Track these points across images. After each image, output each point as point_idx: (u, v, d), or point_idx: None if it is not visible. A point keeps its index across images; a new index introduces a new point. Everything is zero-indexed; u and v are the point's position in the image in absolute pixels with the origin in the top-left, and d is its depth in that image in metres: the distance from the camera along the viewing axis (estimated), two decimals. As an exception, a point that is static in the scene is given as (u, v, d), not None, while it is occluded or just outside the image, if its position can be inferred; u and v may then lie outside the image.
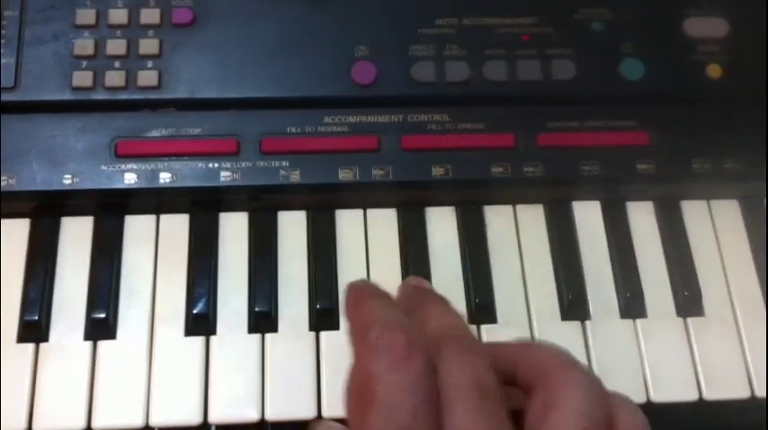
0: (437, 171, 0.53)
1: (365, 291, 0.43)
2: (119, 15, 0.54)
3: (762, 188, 0.55)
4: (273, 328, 0.51)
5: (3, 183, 0.51)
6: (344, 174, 0.52)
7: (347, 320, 0.43)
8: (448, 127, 0.54)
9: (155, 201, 0.53)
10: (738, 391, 0.51)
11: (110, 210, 0.53)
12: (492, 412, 0.36)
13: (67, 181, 0.51)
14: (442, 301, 0.45)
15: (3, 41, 0.53)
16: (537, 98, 0.55)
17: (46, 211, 0.52)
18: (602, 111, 0.55)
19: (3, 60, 0.53)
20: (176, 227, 0.53)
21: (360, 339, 0.39)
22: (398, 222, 0.54)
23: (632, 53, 0.56)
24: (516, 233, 0.54)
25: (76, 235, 0.52)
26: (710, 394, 0.51)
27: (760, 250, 0.54)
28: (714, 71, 0.55)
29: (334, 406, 0.49)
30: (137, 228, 0.53)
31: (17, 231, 0.52)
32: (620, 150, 0.54)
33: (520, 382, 0.40)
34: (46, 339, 0.50)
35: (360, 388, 0.38)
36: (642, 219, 0.55)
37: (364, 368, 0.38)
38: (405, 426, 0.35)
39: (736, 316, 0.53)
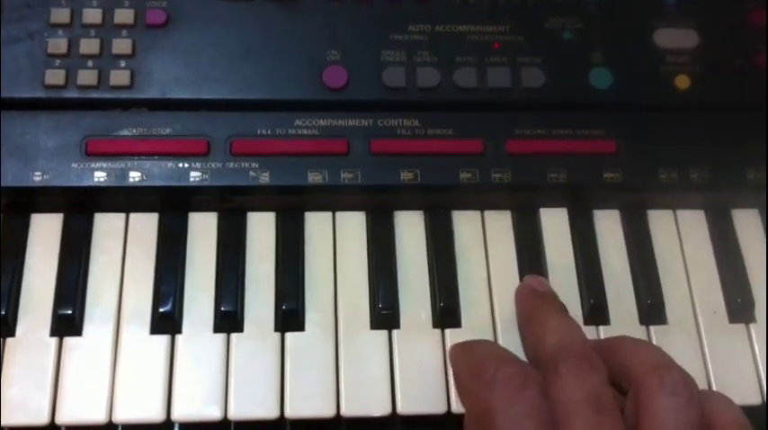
0: (406, 175, 0.53)
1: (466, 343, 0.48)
2: (93, 15, 0.54)
3: (726, 198, 0.56)
4: (239, 328, 0.51)
5: (-28, 179, 0.51)
6: (314, 177, 0.53)
7: (452, 364, 0.48)
8: (417, 132, 0.54)
9: (124, 199, 0.53)
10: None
11: (79, 208, 0.53)
12: (607, 424, 0.38)
13: (38, 178, 0.51)
14: (561, 311, 0.48)
15: (-23, 39, 0.54)
16: (506, 105, 0.55)
17: (15, 208, 0.53)
18: (570, 119, 0.55)
19: (-24, 58, 0.53)
20: (145, 225, 0.53)
21: (475, 380, 0.43)
22: (367, 225, 0.55)
23: (602, 62, 0.56)
24: (483, 238, 0.55)
25: (45, 231, 0.53)
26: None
27: (724, 260, 0.55)
28: (682, 82, 0.56)
29: (297, 406, 0.49)
30: (106, 226, 0.53)
31: (-13, 227, 0.52)
32: (587, 158, 0.54)
33: (616, 385, 0.42)
34: (12, 334, 0.50)
35: (480, 419, 0.41)
36: (608, 227, 0.56)
37: (483, 402, 0.41)
38: None
39: (699, 325, 0.54)
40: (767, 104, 0.56)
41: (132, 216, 0.54)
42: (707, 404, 0.40)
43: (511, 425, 0.39)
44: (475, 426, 0.42)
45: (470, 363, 0.46)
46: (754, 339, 0.53)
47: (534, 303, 0.49)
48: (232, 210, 0.54)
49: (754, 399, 0.51)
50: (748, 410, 0.44)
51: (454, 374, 0.49)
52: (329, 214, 0.55)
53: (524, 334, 0.49)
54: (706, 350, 0.53)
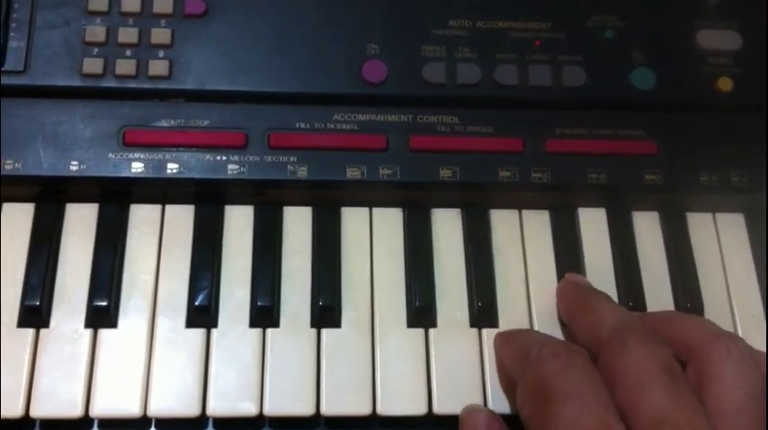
0: (444, 173, 0.53)
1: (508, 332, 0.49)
2: (131, 3, 0.54)
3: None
4: (275, 324, 0.50)
5: (8, 167, 0.51)
6: (352, 173, 0.52)
7: (497, 355, 0.48)
8: (457, 129, 0.54)
9: (160, 190, 0.53)
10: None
11: (114, 198, 0.53)
12: (684, 392, 0.38)
13: (74, 167, 0.51)
14: (609, 297, 0.48)
15: (13, 25, 0.53)
16: (546, 103, 0.55)
17: (51, 197, 0.52)
18: (610, 120, 0.55)
19: (13, 44, 0.53)
20: (181, 217, 0.53)
21: (522, 359, 0.43)
22: (404, 222, 0.54)
23: (643, 62, 0.56)
24: (521, 237, 0.54)
25: (80, 221, 0.52)
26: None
27: (763, 264, 0.54)
28: (725, 84, 0.55)
29: (333, 403, 0.49)
30: (141, 217, 0.53)
31: (21, 216, 0.52)
32: (627, 159, 0.54)
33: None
34: (46, 325, 0.49)
35: (536, 392, 0.41)
36: (647, 228, 0.55)
37: (535, 378, 0.41)
38: (589, 406, 0.38)
39: (737, 329, 0.53)
40: (767, 104, 0.55)
41: (168, 208, 0.53)
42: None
43: (569, 384, 0.40)
44: (533, 403, 0.41)
45: (515, 349, 0.46)
46: (794, 344, 0.52)
47: (582, 295, 0.49)
48: (268, 204, 0.53)
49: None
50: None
51: (499, 364, 0.49)
52: (366, 210, 0.54)
53: (574, 325, 0.48)
54: (747, 354, 0.52)
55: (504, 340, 0.48)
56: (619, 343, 0.41)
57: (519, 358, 0.45)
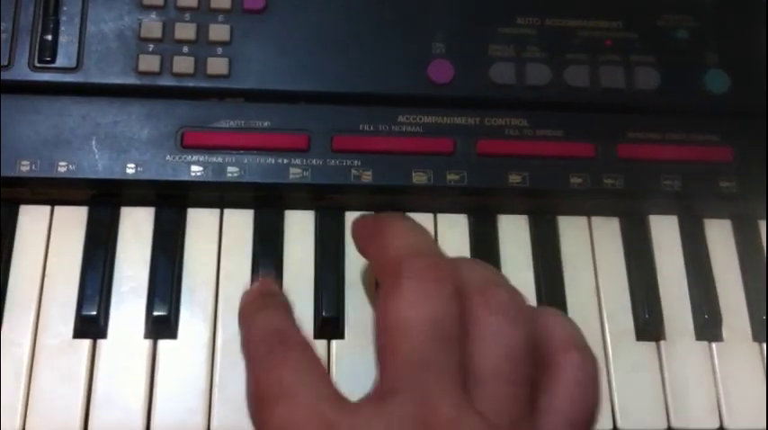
0: (513, 178, 0.51)
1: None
2: (188, -2, 0.51)
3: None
4: (340, 334, 0.49)
5: (62, 170, 0.48)
6: (418, 178, 0.50)
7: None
8: (526, 132, 0.52)
9: (218, 194, 0.50)
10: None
11: (171, 202, 0.50)
12: (445, 354, 0.33)
13: (131, 170, 0.49)
14: (405, 217, 0.41)
15: (64, 18, 0.51)
16: (618, 107, 0.53)
17: (105, 200, 0.50)
18: (684, 124, 0.53)
19: (63, 39, 0.50)
20: (240, 222, 0.51)
21: (248, 358, 0.37)
22: (470, 228, 0.52)
23: (717, 64, 0.54)
24: (591, 246, 0.52)
25: (137, 226, 0.50)
26: (783, 422, 0.50)
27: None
28: (801, 87, 0.53)
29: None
30: (200, 221, 0.51)
31: (74, 220, 0.50)
32: (702, 165, 0.52)
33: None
34: (104, 336, 0.47)
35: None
36: (720, 237, 0.54)
37: (252, 379, 0.35)
38: (301, 402, 0.33)
39: (801, 338, 0.52)
40: (767, 106, 0.53)
41: (227, 212, 0.51)
42: (540, 321, 0.36)
43: (279, 389, 0.33)
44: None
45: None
46: None
47: (378, 220, 0.41)
48: (330, 209, 0.51)
49: None
50: None
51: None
52: (430, 215, 0.52)
53: (367, 254, 0.42)
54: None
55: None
56: (393, 277, 0.35)
57: (248, 351, 0.38)
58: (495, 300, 0.35)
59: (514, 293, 0.36)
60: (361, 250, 0.43)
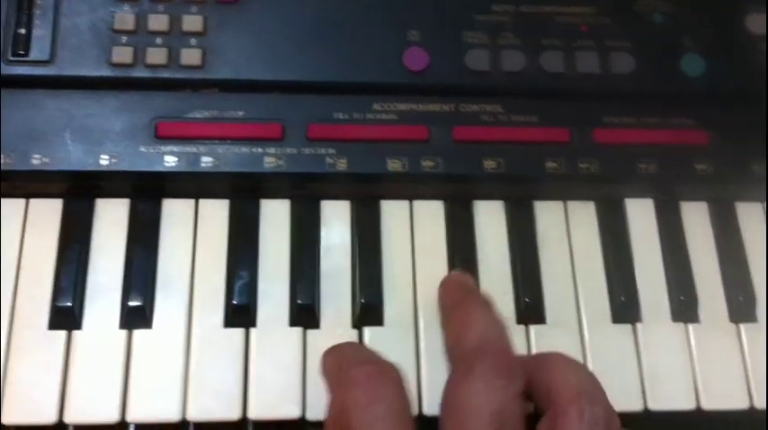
0: (489, 164, 0.51)
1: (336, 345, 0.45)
2: (161, -11, 0.51)
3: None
4: (315, 323, 0.49)
5: (35, 163, 0.48)
6: (393, 165, 0.50)
7: (322, 369, 0.45)
8: (501, 118, 0.52)
9: (194, 185, 0.50)
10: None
11: (147, 193, 0.50)
12: None
13: (104, 161, 0.49)
14: (487, 305, 0.45)
15: (37, 12, 0.51)
16: (594, 92, 0.53)
17: (80, 192, 0.50)
18: (660, 108, 0.53)
19: (37, 32, 0.50)
20: (216, 212, 0.51)
21: (334, 376, 0.42)
22: (446, 215, 0.52)
23: (693, 48, 0.54)
24: (567, 230, 0.52)
25: (112, 218, 0.50)
26: (761, 402, 0.49)
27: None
28: (776, 70, 0.53)
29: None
30: (175, 212, 0.51)
31: (49, 213, 0.50)
32: (677, 149, 0.52)
33: (535, 402, 0.40)
34: (79, 327, 0.47)
35: (336, 421, 0.39)
36: (696, 219, 0.54)
37: (340, 401, 0.39)
38: None
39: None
40: (767, 100, 0.53)
41: (202, 202, 0.51)
42: None
43: (364, 426, 0.37)
44: (330, 426, 0.40)
45: (333, 363, 0.44)
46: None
47: (460, 295, 0.46)
48: (306, 198, 0.51)
49: None
50: None
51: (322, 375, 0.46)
52: (406, 203, 0.52)
53: (447, 327, 0.46)
54: (799, 348, 0.51)
55: (329, 350, 0.45)
56: (467, 365, 0.39)
57: (333, 373, 0.42)
58: (590, 414, 0.37)
59: (610, 412, 0.38)
60: (444, 319, 0.47)
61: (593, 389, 0.39)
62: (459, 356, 0.42)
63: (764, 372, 0.50)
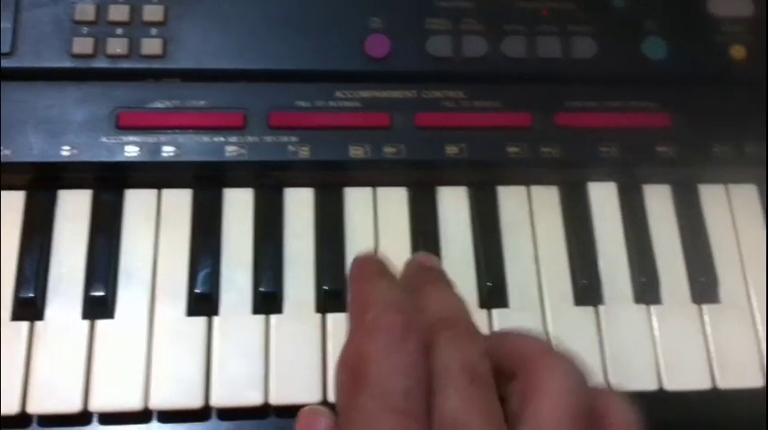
0: (451, 150, 0.51)
1: (370, 268, 0.42)
2: (121, -21, 0.52)
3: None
4: (278, 310, 0.49)
5: (-2, 154, 0.49)
6: (355, 152, 0.50)
7: (349, 295, 0.42)
8: (463, 104, 0.52)
9: (156, 175, 0.51)
10: (752, 380, 0.50)
11: (109, 184, 0.51)
12: (482, 396, 0.36)
13: (66, 152, 0.49)
14: (445, 283, 0.44)
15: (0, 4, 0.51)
16: (556, 76, 0.53)
17: (42, 184, 0.50)
18: (622, 92, 0.53)
19: (-1, 24, 0.51)
20: (179, 202, 0.51)
21: (358, 318, 0.39)
22: (409, 202, 0.52)
23: (655, 31, 0.54)
24: (530, 215, 0.53)
25: (74, 209, 0.50)
26: (724, 382, 0.50)
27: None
28: (738, 52, 0.54)
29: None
30: (137, 202, 0.51)
31: (12, 204, 0.50)
32: (639, 132, 0.52)
33: (503, 371, 0.39)
34: (41, 317, 0.48)
35: (353, 367, 0.37)
36: (659, 202, 0.54)
37: (359, 347, 0.37)
38: (396, 408, 0.35)
39: (752, 303, 0.52)
40: (767, 87, 0.53)
41: (165, 192, 0.51)
42: (600, 399, 0.38)
43: (384, 379, 0.36)
44: (346, 378, 0.38)
45: (358, 301, 0.41)
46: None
47: (422, 276, 0.45)
48: (269, 186, 0.52)
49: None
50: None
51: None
52: (369, 190, 0.52)
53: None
54: (759, 329, 0.51)
55: (354, 278, 0.43)
56: (431, 336, 0.38)
57: (358, 309, 0.40)
58: (565, 362, 0.37)
59: (582, 365, 0.38)
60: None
61: (556, 347, 0.39)
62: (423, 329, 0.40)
63: (728, 353, 0.50)
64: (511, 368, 0.39)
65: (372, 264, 0.42)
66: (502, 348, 0.40)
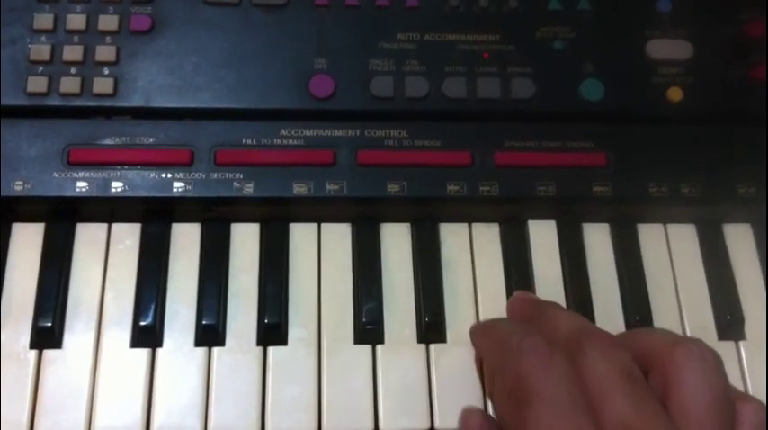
0: (392, 187, 0.52)
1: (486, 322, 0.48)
2: (77, 21, 0.54)
3: (718, 213, 0.55)
4: (221, 342, 0.50)
5: (-49, 188, 0.50)
6: (299, 189, 0.52)
7: (476, 346, 0.48)
8: (405, 143, 0.54)
9: (106, 209, 0.52)
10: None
11: (61, 218, 0.52)
12: (645, 396, 0.38)
13: (19, 187, 0.51)
14: (561, 306, 0.48)
15: (-41, 44, 0.53)
16: (495, 116, 0.55)
17: (-4, 218, 0.52)
18: (560, 131, 0.54)
19: (-42, 63, 0.53)
20: (127, 236, 0.53)
21: (501, 350, 0.43)
22: (352, 237, 0.54)
23: (593, 73, 0.55)
24: (471, 251, 0.54)
25: (27, 241, 0.52)
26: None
27: (714, 276, 0.54)
28: (675, 94, 0.55)
29: (278, 421, 0.48)
30: (88, 236, 0.53)
31: (-34, 237, 0.52)
32: (576, 171, 0.54)
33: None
34: (-9, 347, 0.49)
35: (514, 387, 0.40)
36: (597, 240, 0.55)
37: (514, 372, 0.41)
38: (565, 412, 0.38)
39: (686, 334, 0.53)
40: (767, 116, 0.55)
41: (114, 226, 0.53)
42: (734, 396, 0.40)
43: (547, 387, 0.39)
44: (510, 401, 0.41)
45: (494, 339, 0.45)
46: (743, 357, 0.52)
47: (535, 306, 0.49)
48: (216, 221, 0.53)
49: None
50: None
51: (477, 356, 0.49)
52: (314, 225, 0.54)
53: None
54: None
55: (482, 330, 0.48)
56: (576, 348, 0.41)
57: (498, 348, 0.44)
58: (696, 349, 0.40)
59: (705, 344, 0.41)
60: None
61: (682, 335, 0.43)
62: (563, 345, 0.43)
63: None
64: (643, 365, 0.41)
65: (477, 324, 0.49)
66: (631, 347, 0.42)
